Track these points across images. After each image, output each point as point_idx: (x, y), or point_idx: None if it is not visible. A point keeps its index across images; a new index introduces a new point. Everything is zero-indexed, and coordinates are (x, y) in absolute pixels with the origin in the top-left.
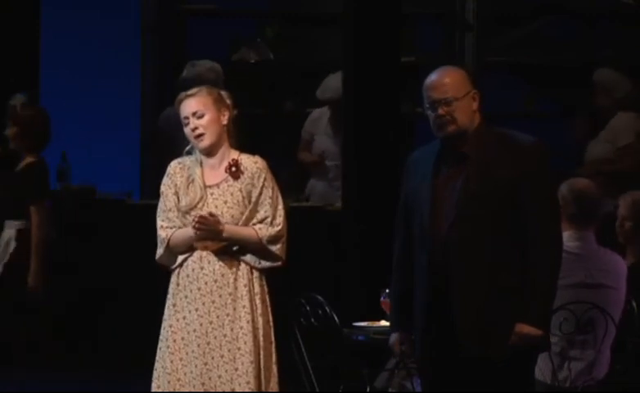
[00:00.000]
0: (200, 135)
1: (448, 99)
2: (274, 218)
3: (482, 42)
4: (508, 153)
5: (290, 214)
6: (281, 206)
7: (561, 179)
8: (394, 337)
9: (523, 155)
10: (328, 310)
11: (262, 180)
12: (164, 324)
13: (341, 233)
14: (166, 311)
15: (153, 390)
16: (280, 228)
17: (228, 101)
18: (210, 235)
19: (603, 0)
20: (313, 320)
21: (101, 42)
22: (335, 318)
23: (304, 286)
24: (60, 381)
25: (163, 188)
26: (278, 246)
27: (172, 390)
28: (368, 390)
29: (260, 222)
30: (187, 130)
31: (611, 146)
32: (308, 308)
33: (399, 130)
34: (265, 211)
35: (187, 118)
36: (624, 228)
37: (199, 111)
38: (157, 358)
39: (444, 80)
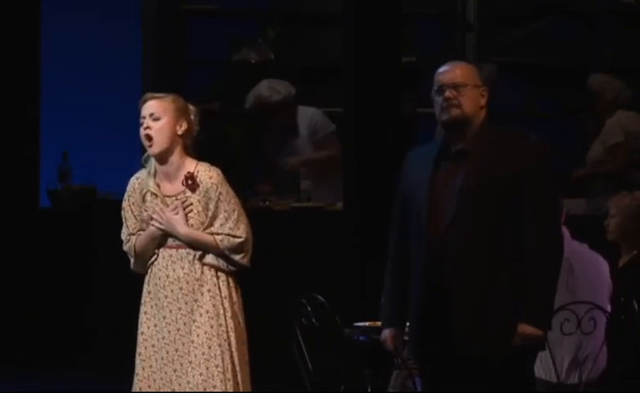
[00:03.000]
0: (149, 138)
1: (457, 83)
2: (234, 230)
3: (483, 42)
4: (509, 151)
5: (290, 215)
6: (242, 217)
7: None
8: (385, 333)
9: (524, 153)
10: (329, 310)
11: (217, 194)
12: (138, 331)
13: (342, 233)
14: (139, 319)
15: None
16: (242, 240)
17: (192, 116)
18: (169, 226)
19: (603, 0)
20: (314, 320)
21: (102, 42)
22: (337, 319)
23: (304, 286)
24: (59, 382)
25: (124, 205)
26: (242, 255)
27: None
28: (369, 390)
29: (219, 233)
30: (140, 130)
31: (603, 145)
32: (309, 308)
33: (400, 130)
34: (221, 224)
35: (143, 118)
36: (610, 226)
37: (155, 114)
38: (135, 364)
39: (455, 69)
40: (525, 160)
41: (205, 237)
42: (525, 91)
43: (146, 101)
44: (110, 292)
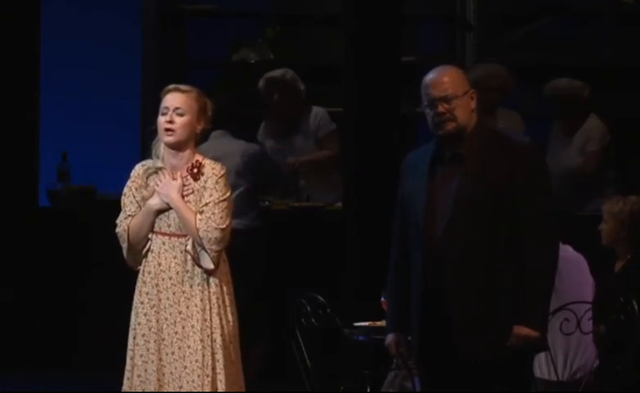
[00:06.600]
0: (171, 131)
1: (448, 96)
2: (215, 216)
3: (482, 42)
4: (504, 154)
5: (290, 215)
6: (228, 214)
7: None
8: (389, 338)
9: (519, 157)
10: (329, 310)
11: (214, 183)
12: (135, 321)
13: (342, 233)
14: (134, 308)
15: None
16: (219, 231)
17: (209, 114)
18: (164, 189)
19: (603, 0)
20: (313, 320)
21: (102, 42)
22: (337, 319)
23: (304, 286)
24: (58, 382)
25: (125, 190)
26: (213, 246)
27: (133, 386)
28: (368, 390)
29: (201, 213)
30: (160, 119)
31: (581, 150)
32: (308, 308)
33: (400, 130)
34: (207, 206)
35: (167, 108)
36: (603, 231)
37: (181, 109)
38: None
39: (444, 78)
40: (519, 164)
41: (190, 212)
42: (525, 91)
43: (170, 92)
44: (109, 292)
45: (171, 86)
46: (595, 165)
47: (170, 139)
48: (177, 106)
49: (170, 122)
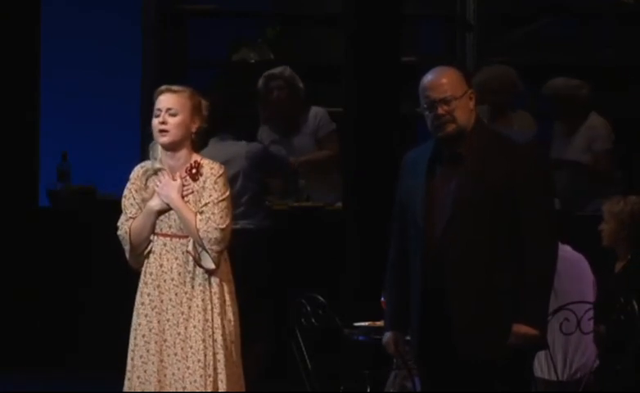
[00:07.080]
0: (165, 131)
1: (447, 98)
2: (215, 216)
3: (482, 42)
4: (504, 154)
5: (290, 214)
6: (228, 213)
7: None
8: (387, 336)
9: (518, 157)
10: (329, 310)
11: (213, 183)
12: (135, 322)
13: (342, 233)
14: (135, 309)
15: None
16: (219, 231)
17: (205, 113)
18: (164, 189)
19: (603, 0)
20: (313, 320)
21: (102, 42)
22: (337, 319)
23: (304, 286)
24: (60, 381)
25: (125, 192)
26: (214, 247)
27: (132, 387)
28: (368, 390)
29: (201, 213)
30: (154, 121)
31: (589, 149)
32: (308, 308)
33: (400, 130)
34: (207, 206)
35: (159, 110)
36: (604, 232)
37: (173, 109)
38: (128, 355)
39: (442, 80)
40: (518, 163)
41: (190, 212)
42: (525, 91)
43: (162, 93)
44: (109, 293)
45: (163, 87)
46: (608, 164)
47: (165, 140)
48: (169, 107)
49: (163, 123)
